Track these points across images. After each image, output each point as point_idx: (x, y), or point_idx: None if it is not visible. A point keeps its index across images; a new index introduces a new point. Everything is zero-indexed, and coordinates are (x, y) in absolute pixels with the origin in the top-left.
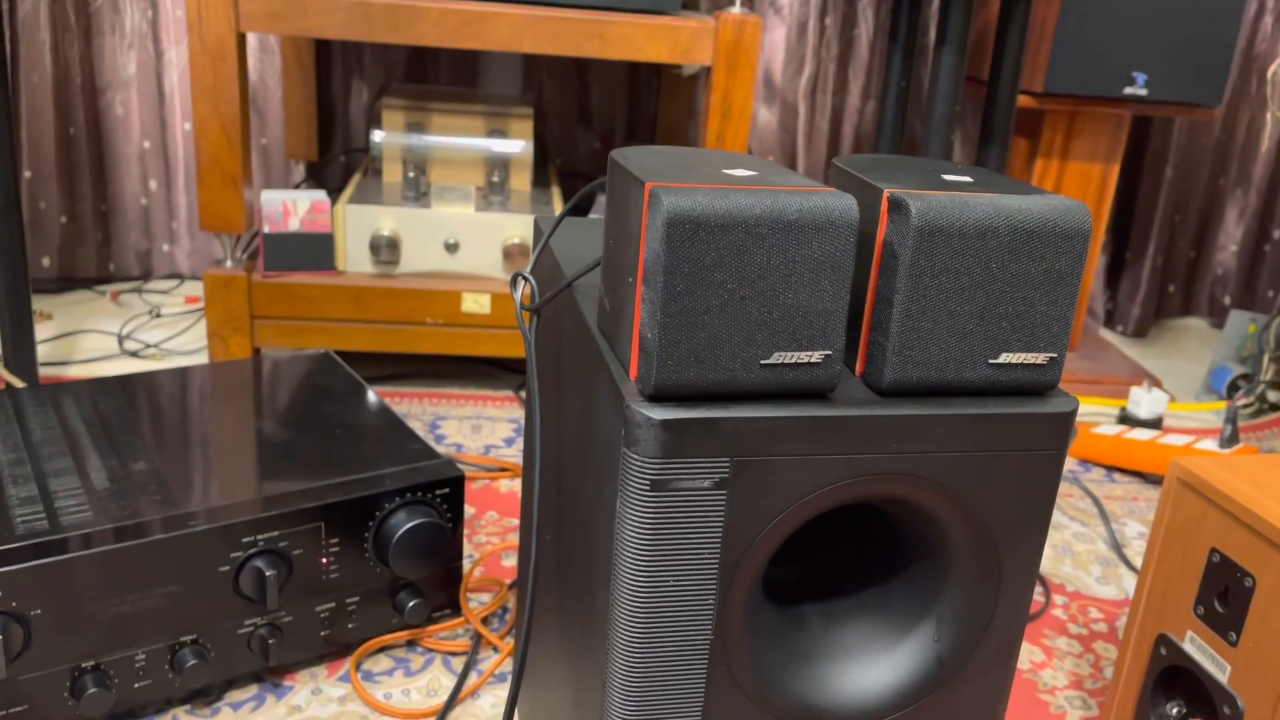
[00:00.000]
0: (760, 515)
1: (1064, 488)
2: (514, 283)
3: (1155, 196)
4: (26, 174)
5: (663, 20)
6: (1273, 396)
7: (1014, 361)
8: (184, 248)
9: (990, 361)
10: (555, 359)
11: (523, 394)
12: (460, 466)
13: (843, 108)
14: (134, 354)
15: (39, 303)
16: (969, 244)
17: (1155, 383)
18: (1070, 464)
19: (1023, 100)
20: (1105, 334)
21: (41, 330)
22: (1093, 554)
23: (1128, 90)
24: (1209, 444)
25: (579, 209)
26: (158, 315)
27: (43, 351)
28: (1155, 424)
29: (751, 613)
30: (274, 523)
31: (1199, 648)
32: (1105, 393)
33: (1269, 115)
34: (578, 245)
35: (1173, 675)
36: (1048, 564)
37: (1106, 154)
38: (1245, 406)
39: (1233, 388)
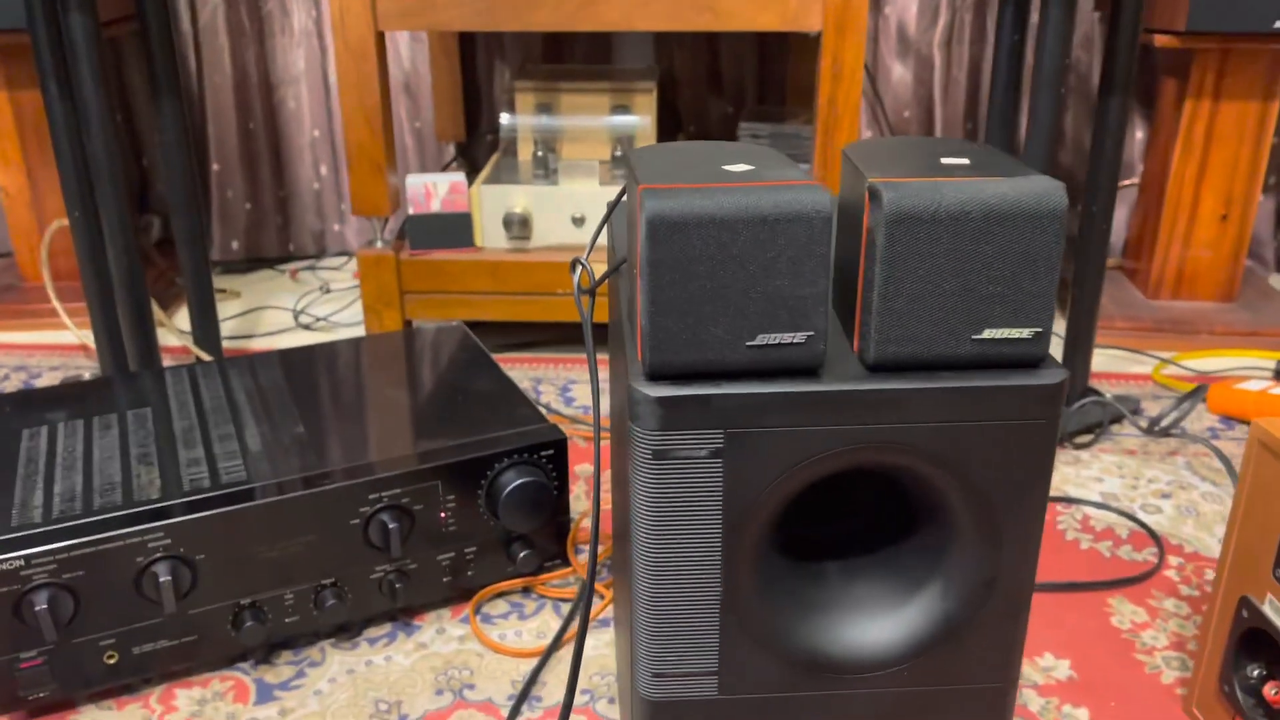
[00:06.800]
0: (755, 480)
1: (1196, 447)
2: (572, 267)
3: None
4: (215, 167)
5: None
6: None
7: (997, 336)
8: (353, 226)
9: (973, 337)
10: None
11: None
12: (577, 428)
13: (980, 58)
14: (306, 327)
15: (230, 283)
16: (942, 228)
17: None
18: (1211, 421)
19: (1164, 40)
20: (1276, 281)
21: (230, 308)
22: (1219, 515)
23: (1279, 24)
24: None
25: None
26: (327, 291)
27: (230, 327)
28: None
29: (763, 568)
30: (396, 481)
31: (1277, 610)
32: (1266, 345)
33: None
34: None
35: (1255, 638)
36: (1168, 524)
37: (1264, 92)
38: None
39: None
